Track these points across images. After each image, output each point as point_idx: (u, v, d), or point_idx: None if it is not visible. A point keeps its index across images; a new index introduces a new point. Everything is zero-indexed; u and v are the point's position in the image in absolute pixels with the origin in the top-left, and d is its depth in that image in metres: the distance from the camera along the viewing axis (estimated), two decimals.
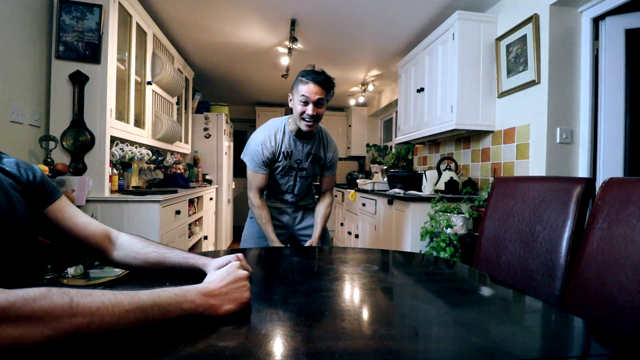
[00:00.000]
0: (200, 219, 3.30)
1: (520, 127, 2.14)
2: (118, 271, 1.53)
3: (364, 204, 3.30)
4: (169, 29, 2.95)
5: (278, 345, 0.51)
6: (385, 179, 3.46)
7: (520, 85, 2.12)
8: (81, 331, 0.43)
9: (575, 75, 1.97)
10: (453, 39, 2.36)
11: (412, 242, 2.27)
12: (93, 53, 1.98)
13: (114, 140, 2.17)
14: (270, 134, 1.57)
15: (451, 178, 2.51)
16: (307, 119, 1.45)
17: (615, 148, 1.85)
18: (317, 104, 1.44)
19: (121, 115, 2.25)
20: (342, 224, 4.23)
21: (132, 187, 2.56)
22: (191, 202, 2.94)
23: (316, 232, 1.67)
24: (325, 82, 1.46)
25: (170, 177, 3.06)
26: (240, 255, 0.79)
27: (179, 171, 3.26)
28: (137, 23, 2.38)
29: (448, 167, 2.67)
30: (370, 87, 4.36)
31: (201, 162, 4.05)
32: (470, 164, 2.67)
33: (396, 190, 2.70)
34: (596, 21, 1.91)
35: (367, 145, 5.02)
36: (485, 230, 1.27)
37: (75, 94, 1.97)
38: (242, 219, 6.09)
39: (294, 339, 0.54)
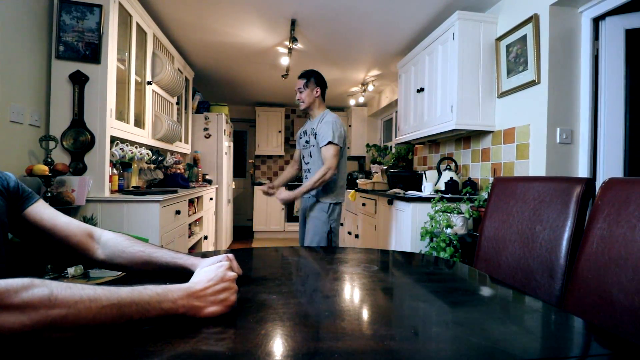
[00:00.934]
0: (200, 219, 3.30)
1: (520, 127, 2.14)
2: (118, 272, 1.52)
3: (364, 204, 3.30)
4: (169, 29, 2.95)
5: (278, 345, 0.51)
6: (385, 179, 3.46)
7: (520, 85, 2.12)
8: (57, 323, 0.45)
9: (575, 75, 1.97)
10: (453, 39, 2.36)
11: (412, 242, 2.27)
12: (93, 53, 1.98)
13: (114, 140, 2.17)
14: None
15: (451, 178, 2.51)
16: (299, 103, 2.19)
17: (615, 148, 1.85)
18: (299, 90, 2.15)
19: (121, 115, 2.25)
20: (342, 224, 4.23)
21: (132, 187, 2.56)
22: (191, 202, 2.94)
23: (298, 189, 2.03)
24: (302, 75, 2.16)
25: (170, 177, 3.06)
26: (230, 255, 0.75)
27: (179, 171, 3.26)
28: (137, 23, 2.38)
29: (448, 167, 2.67)
30: (370, 87, 4.36)
31: (201, 162, 4.05)
32: (470, 164, 2.67)
33: (396, 190, 2.70)
34: (596, 21, 1.91)
35: (367, 145, 5.01)
36: (485, 230, 1.27)
37: (75, 94, 1.97)
38: (242, 219, 6.09)
39: (294, 339, 0.54)
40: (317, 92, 2.15)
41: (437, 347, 0.55)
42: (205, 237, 3.46)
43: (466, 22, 2.33)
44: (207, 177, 3.97)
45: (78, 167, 2.00)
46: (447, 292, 0.81)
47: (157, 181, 2.96)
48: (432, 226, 2.12)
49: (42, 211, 0.77)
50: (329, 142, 2.01)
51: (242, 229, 5.85)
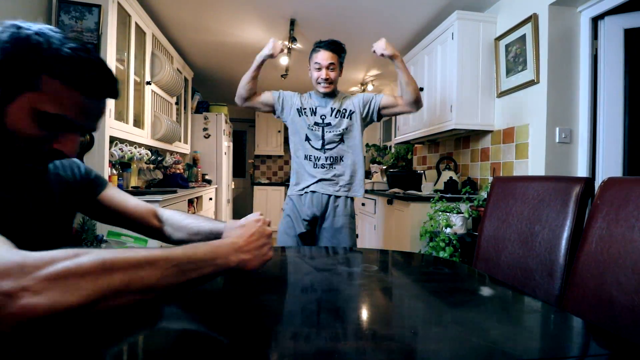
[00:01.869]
0: None
1: (519, 127, 2.14)
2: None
3: (363, 204, 3.30)
4: (168, 29, 2.94)
5: (277, 345, 0.51)
6: (385, 179, 3.46)
7: (519, 85, 2.12)
8: (120, 289, 0.42)
9: (574, 75, 1.97)
10: (452, 38, 2.36)
11: (411, 242, 2.27)
12: None
13: (113, 140, 2.17)
14: (305, 94, 1.83)
15: (450, 178, 2.52)
16: (322, 82, 1.67)
17: (614, 147, 1.85)
18: (329, 68, 1.66)
19: (120, 115, 2.25)
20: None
21: (132, 187, 2.55)
22: (190, 202, 2.94)
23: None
24: (334, 46, 1.68)
25: (169, 177, 3.06)
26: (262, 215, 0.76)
27: (178, 171, 3.26)
28: (136, 23, 2.37)
29: (447, 166, 2.67)
30: (370, 87, 4.36)
31: (200, 162, 4.04)
32: (469, 164, 2.67)
33: (396, 190, 2.70)
34: (595, 21, 1.91)
35: (367, 144, 5.01)
36: (484, 230, 1.27)
37: None
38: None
39: (293, 339, 0.54)
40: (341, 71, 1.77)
41: (437, 347, 0.55)
42: None
43: (465, 21, 2.33)
44: (206, 177, 3.97)
45: None
46: (446, 292, 0.81)
47: (157, 181, 2.96)
48: (432, 226, 2.12)
49: (114, 195, 0.81)
50: (379, 94, 1.80)
51: None
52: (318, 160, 1.72)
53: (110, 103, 2.06)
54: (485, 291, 0.85)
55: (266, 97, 1.82)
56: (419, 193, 2.51)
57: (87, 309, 0.40)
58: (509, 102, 2.26)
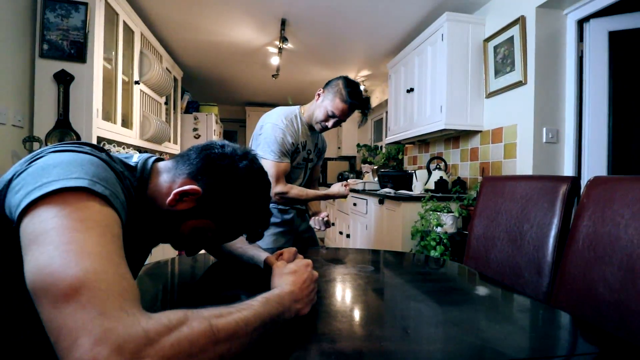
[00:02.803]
0: None
1: (507, 127, 2.18)
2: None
3: (355, 204, 3.31)
4: (157, 27, 2.91)
5: (274, 346, 0.51)
6: (376, 179, 3.47)
7: (507, 85, 2.15)
8: (219, 357, 0.40)
9: (560, 76, 2.01)
10: (442, 39, 2.39)
11: (403, 241, 2.28)
12: (78, 52, 1.94)
13: (100, 140, 2.13)
14: (289, 121, 1.48)
15: (441, 177, 2.54)
16: (323, 127, 1.51)
17: (600, 147, 1.89)
18: (341, 119, 1.49)
19: (108, 116, 2.21)
20: (333, 224, 4.24)
21: None
22: None
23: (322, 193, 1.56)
24: (361, 110, 1.55)
25: None
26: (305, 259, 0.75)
27: None
28: (124, 21, 2.34)
29: (438, 166, 2.69)
30: (361, 87, 4.38)
31: None
32: (459, 164, 2.70)
33: (387, 189, 2.71)
34: (581, 23, 1.95)
35: (358, 145, 5.03)
36: (474, 229, 1.29)
37: (60, 93, 1.93)
38: None
39: (289, 340, 0.53)
40: None
41: (429, 347, 0.56)
42: None
43: (455, 23, 2.36)
44: None
45: None
46: (437, 292, 0.82)
47: None
48: (423, 225, 2.14)
49: None
50: None
51: None
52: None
53: (97, 102, 2.02)
54: (476, 289, 0.86)
55: (287, 168, 1.49)
56: (410, 193, 2.53)
57: None
58: (497, 103, 2.29)
